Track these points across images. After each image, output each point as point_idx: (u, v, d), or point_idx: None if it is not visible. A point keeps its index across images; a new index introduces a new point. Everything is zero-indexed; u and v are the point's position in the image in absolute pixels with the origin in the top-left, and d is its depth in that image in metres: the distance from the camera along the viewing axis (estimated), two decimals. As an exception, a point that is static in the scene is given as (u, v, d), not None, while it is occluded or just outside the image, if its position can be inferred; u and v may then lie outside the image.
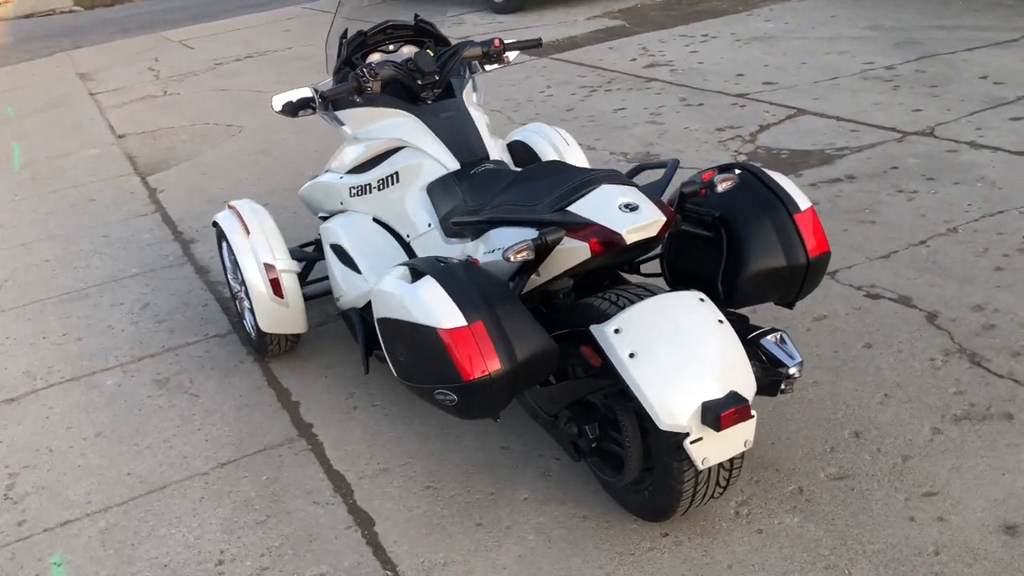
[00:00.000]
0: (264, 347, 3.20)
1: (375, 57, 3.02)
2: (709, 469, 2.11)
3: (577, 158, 3.42)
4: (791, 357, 2.18)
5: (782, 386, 2.18)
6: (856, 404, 2.61)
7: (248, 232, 3.05)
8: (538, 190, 2.26)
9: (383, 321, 2.17)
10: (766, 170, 2.34)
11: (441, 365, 1.97)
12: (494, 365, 1.94)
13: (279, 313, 3.03)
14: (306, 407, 2.98)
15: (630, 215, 2.09)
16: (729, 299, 2.27)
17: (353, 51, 3.00)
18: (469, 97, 3.00)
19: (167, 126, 6.78)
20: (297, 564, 2.32)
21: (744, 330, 2.24)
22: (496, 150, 2.81)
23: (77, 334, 3.70)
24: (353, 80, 2.74)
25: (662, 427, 1.95)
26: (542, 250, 2.09)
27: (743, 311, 2.68)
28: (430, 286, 2.02)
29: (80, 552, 2.46)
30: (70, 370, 3.42)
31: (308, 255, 3.34)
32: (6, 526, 2.61)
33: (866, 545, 2.13)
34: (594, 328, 2.07)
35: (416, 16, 3.11)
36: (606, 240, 2.07)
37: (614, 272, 2.51)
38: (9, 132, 7.33)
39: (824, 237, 2.26)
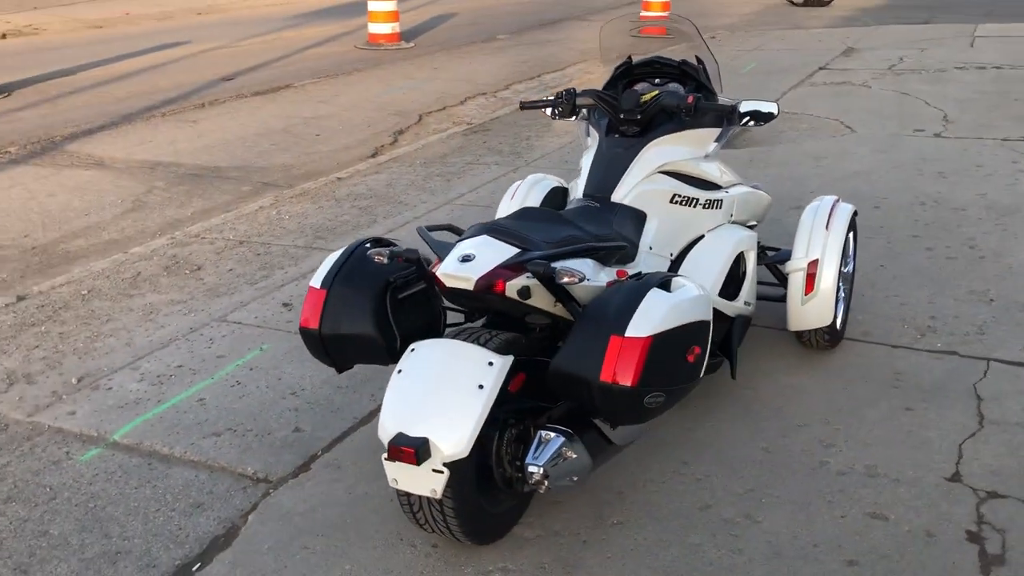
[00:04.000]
0: None
1: (639, 86, 3.31)
2: (420, 500, 2.32)
3: (824, 240, 3.20)
4: (535, 459, 2.21)
5: (528, 481, 2.23)
6: (725, 589, 2.28)
7: (512, 198, 3.72)
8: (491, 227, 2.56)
9: None
10: (661, 292, 2.22)
11: (304, 309, 2.60)
12: (312, 324, 2.51)
13: None
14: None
15: (458, 264, 2.33)
16: (544, 382, 2.31)
17: (620, 75, 3.34)
18: (694, 143, 3.09)
19: (812, 112, 7.13)
20: (255, 404, 3.22)
21: (559, 417, 2.33)
22: (628, 195, 2.93)
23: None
24: (554, 98, 3.18)
25: (379, 434, 2.28)
26: (412, 264, 2.50)
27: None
28: (334, 255, 2.61)
29: (275, 351, 3.68)
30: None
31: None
32: (284, 316, 3.98)
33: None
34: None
35: (683, 61, 3.25)
36: (434, 277, 2.37)
37: None
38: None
39: (633, 373, 2.11)
